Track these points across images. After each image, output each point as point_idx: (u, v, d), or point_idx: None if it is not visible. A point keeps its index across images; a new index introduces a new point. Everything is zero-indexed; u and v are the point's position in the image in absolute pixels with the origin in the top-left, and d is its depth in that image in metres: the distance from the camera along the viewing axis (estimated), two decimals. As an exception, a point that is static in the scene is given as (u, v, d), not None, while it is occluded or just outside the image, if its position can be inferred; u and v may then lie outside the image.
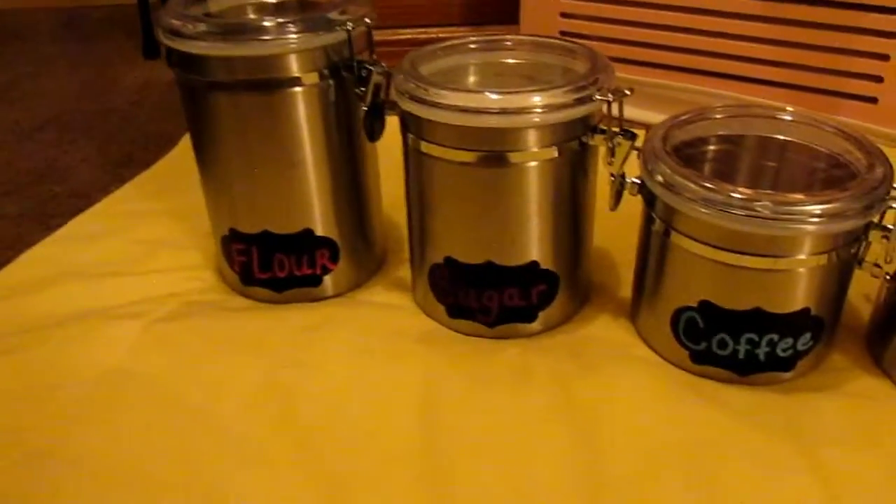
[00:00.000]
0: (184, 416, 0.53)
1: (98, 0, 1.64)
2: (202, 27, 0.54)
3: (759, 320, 0.52)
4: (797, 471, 0.48)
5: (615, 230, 0.64)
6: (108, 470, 0.49)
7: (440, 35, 1.14)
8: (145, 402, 0.54)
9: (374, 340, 0.59)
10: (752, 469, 0.48)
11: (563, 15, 1.02)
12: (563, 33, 1.02)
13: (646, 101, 0.98)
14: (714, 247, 0.51)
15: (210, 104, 0.58)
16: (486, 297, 0.59)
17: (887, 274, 0.53)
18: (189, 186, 0.67)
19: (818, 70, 0.88)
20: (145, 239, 0.74)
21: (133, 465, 0.49)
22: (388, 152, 0.62)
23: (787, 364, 0.54)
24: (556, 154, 0.54)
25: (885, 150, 0.85)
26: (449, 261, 0.58)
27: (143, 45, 1.37)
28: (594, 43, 0.99)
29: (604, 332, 0.61)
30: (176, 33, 0.55)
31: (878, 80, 0.85)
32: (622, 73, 0.99)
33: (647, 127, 0.60)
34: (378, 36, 1.15)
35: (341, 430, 0.51)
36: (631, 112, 0.99)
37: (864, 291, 0.63)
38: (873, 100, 0.86)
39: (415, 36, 1.15)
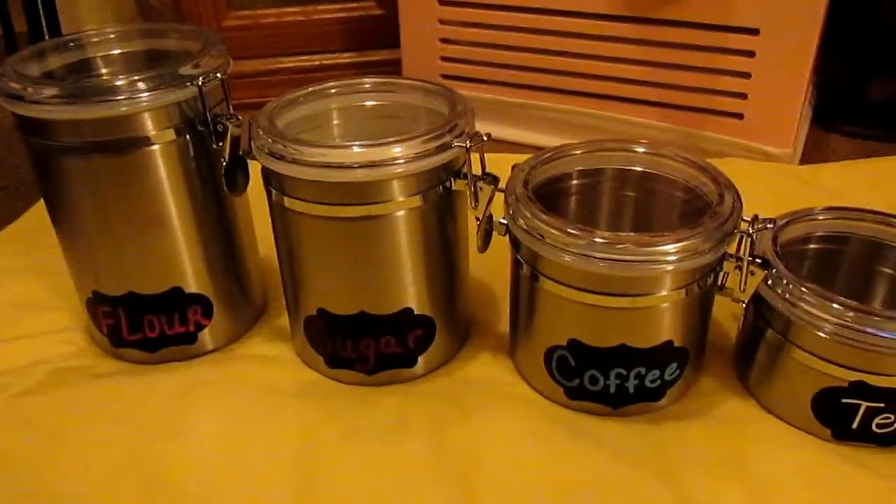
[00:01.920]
0: (48, 495, 0.50)
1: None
2: (45, 90, 0.52)
3: (626, 355, 0.53)
4: (662, 502, 0.49)
5: (493, 262, 0.63)
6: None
7: (323, 62, 1.14)
8: (4, 483, 0.51)
9: (249, 399, 0.58)
10: (621, 505, 0.49)
11: (444, 40, 1.02)
12: (444, 59, 1.03)
13: (527, 123, 1.00)
14: (578, 289, 0.52)
15: (61, 168, 0.55)
16: (362, 346, 0.58)
17: (742, 301, 0.55)
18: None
19: (687, 89, 0.91)
20: (9, 301, 0.70)
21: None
22: (261, 196, 0.60)
23: (656, 394, 0.56)
24: (420, 202, 0.54)
25: (751, 164, 0.90)
26: (322, 312, 0.58)
27: (14, 81, 1.30)
28: (475, 68, 1.01)
29: (484, 371, 0.61)
30: (17, 97, 0.53)
31: (743, 97, 0.89)
32: (504, 96, 1.01)
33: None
34: (260, 65, 1.15)
35: (216, 501, 0.50)
36: (514, 134, 1.02)
37: (731, 311, 0.65)
38: (740, 115, 0.90)
39: (298, 64, 1.13)
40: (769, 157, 0.90)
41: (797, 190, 0.85)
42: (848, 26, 1.00)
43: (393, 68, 1.10)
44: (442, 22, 1.01)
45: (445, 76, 1.04)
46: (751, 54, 0.86)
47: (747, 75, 0.87)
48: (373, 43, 1.13)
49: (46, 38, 1.28)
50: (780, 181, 0.86)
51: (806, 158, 0.96)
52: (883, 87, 1.09)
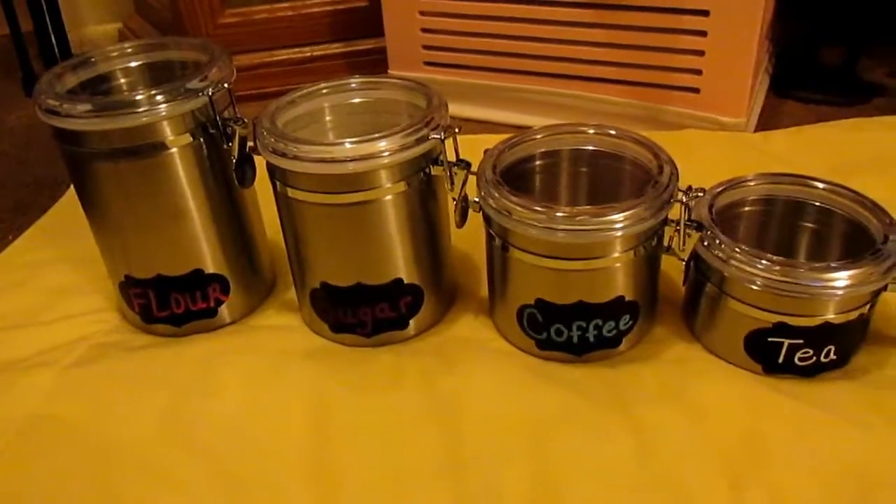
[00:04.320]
0: (100, 448, 0.60)
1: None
2: (78, 106, 0.61)
3: (584, 310, 0.63)
4: (617, 431, 0.59)
5: (474, 235, 0.71)
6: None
7: (314, 54, 1.22)
8: (64, 440, 0.61)
9: (266, 363, 0.67)
10: (582, 436, 0.59)
11: (425, 30, 1.11)
12: (425, 47, 1.11)
13: (504, 104, 1.09)
14: (542, 256, 0.61)
15: (93, 171, 0.64)
16: (361, 313, 0.68)
17: (682, 259, 0.64)
18: (85, 230, 0.72)
19: (647, 67, 1.00)
20: (48, 287, 0.79)
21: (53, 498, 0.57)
22: (266, 187, 0.69)
23: (614, 342, 0.65)
24: (405, 187, 0.63)
25: (707, 134, 0.98)
26: (325, 285, 0.67)
27: (23, 83, 1.37)
28: (454, 55, 1.09)
29: (467, 330, 0.71)
30: (53, 112, 0.61)
31: (698, 72, 0.97)
32: (481, 79, 1.09)
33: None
34: (255, 59, 1.23)
35: (242, 446, 0.60)
36: (492, 114, 1.10)
37: (681, 269, 0.74)
38: (696, 90, 0.99)
39: (290, 56, 1.21)
40: (724, 126, 0.99)
41: (748, 156, 0.94)
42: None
43: (379, 56, 1.18)
44: (422, 13, 1.09)
45: (428, 63, 1.12)
46: (703, 34, 0.94)
47: (701, 53, 0.96)
48: (359, 33, 1.22)
49: (52, 36, 1.36)
50: (734, 149, 0.95)
51: (762, 125, 1.05)
52: (834, 54, 1.17)
